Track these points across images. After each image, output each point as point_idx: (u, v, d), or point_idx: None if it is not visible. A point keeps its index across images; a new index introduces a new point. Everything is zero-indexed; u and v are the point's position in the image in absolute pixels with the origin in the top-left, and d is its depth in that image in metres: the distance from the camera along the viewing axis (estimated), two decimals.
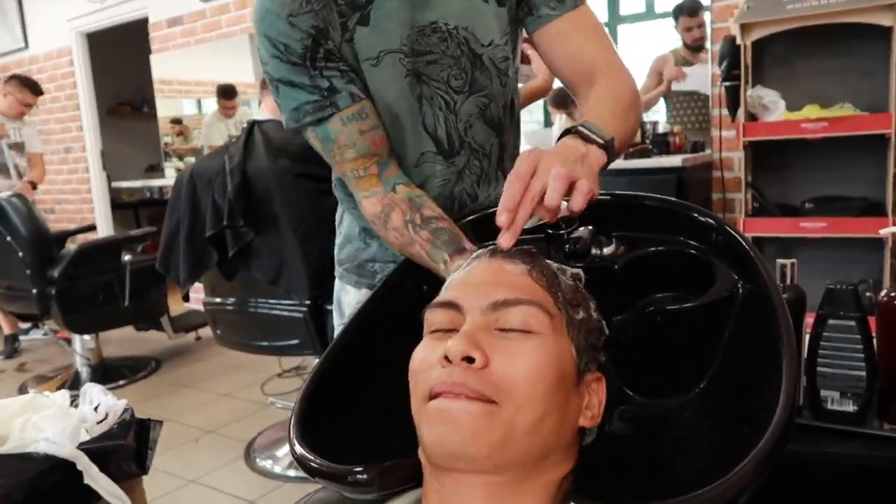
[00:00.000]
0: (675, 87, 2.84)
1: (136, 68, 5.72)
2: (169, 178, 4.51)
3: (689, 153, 2.59)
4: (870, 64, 2.18)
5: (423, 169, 0.98)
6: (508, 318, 0.58)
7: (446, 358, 0.54)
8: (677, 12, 2.79)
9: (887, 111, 2.02)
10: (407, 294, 0.90)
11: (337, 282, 1.14)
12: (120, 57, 5.71)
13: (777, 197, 2.38)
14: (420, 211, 0.88)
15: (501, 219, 0.67)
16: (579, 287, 0.69)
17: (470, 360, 0.54)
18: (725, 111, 2.41)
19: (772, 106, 2.19)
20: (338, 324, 1.14)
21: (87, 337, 3.45)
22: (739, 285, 0.79)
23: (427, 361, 0.58)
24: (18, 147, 4.10)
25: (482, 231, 0.90)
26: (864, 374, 0.95)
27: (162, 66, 4.51)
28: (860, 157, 2.22)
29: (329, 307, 2.08)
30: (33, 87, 4.06)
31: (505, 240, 0.66)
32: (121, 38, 5.04)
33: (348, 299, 1.10)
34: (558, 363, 0.58)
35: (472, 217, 0.96)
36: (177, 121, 4.66)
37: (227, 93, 4.25)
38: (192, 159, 4.50)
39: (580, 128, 0.77)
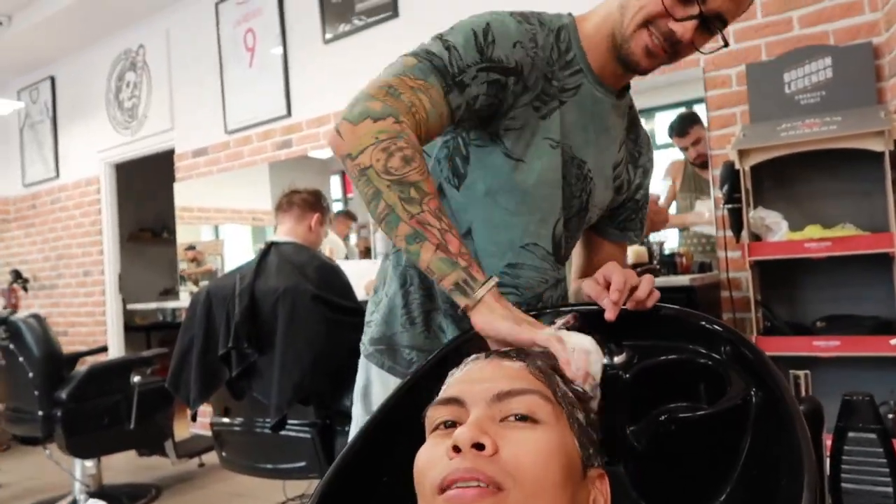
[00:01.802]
0: (694, 228, 2.89)
1: (158, 195, 5.97)
2: (183, 301, 4.58)
3: (697, 273, 2.62)
4: (866, 186, 2.25)
5: (525, 254, 0.99)
6: (513, 407, 0.59)
7: (454, 448, 0.54)
8: (670, 134, 2.91)
9: (888, 231, 2.06)
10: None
11: (362, 363, 1.08)
12: (144, 185, 5.99)
13: (787, 316, 2.38)
14: (423, 185, 0.82)
15: (614, 297, 0.86)
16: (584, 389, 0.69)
17: (480, 447, 0.54)
18: (730, 232, 2.46)
19: (774, 227, 2.24)
20: (359, 415, 1.07)
21: (88, 463, 3.37)
22: (752, 393, 0.78)
23: (433, 458, 0.57)
24: None
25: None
26: (890, 489, 0.92)
27: (183, 193, 4.71)
28: (866, 276, 2.24)
29: (338, 427, 2.05)
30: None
31: (610, 312, 0.85)
32: (146, 168, 5.30)
33: (376, 390, 1.05)
34: (564, 453, 0.57)
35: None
36: (191, 247, 4.79)
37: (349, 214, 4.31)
38: (206, 283, 4.59)
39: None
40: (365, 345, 1.07)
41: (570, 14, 1.00)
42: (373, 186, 0.81)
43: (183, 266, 4.80)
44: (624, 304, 0.87)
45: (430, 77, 0.86)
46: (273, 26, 4.04)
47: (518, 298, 0.99)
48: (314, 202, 2.48)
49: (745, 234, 2.31)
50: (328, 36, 3.78)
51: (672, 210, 2.94)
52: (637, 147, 1.11)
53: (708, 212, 2.77)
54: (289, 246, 2.30)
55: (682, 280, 2.51)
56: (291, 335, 2.02)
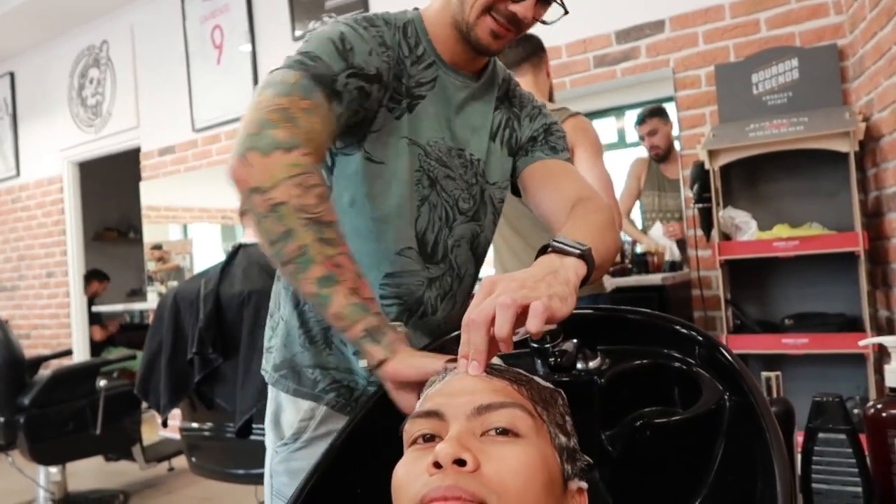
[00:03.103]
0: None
1: (123, 195, 5.86)
2: (151, 302, 4.49)
3: (668, 272, 2.64)
4: (832, 186, 2.29)
5: (400, 261, 0.96)
6: (493, 421, 0.58)
7: (435, 465, 0.53)
8: (635, 125, 2.93)
9: (853, 230, 2.10)
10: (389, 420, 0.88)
11: (271, 392, 1.04)
12: (108, 184, 5.86)
13: (757, 314, 2.41)
14: (337, 226, 0.79)
15: (461, 366, 0.64)
16: (558, 400, 0.69)
17: (461, 462, 0.53)
18: (700, 232, 2.49)
19: (744, 226, 2.27)
20: (274, 447, 1.02)
21: (53, 469, 3.28)
22: (726, 397, 0.78)
23: (412, 474, 0.56)
24: None
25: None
26: (860, 489, 0.92)
27: (150, 192, 4.62)
28: (833, 274, 2.28)
29: None
30: None
31: (472, 368, 0.63)
32: (111, 166, 5.19)
33: (287, 418, 1.00)
34: (545, 467, 0.57)
35: (435, 344, 0.95)
36: (157, 246, 4.71)
37: None
38: (174, 283, 4.51)
39: (553, 242, 0.75)
40: (269, 372, 1.02)
41: (415, 8, 1.00)
42: (284, 225, 0.75)
43: (150, 266, 4.71)
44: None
45: (314, 94, 0.83)
46: (241, 23, 3.98)
47: (401, 307, 0.97)
48: None
49: (715, 233, 2.34)
50: (297, 33, 3.74)
51: (637, 209, 2.96)
52: (515, 107, 1.08)
53: (662, 239, 2.80)
54: (257, 248, 2.27)
55: (654, 279, 2.53)
56: (256, 340, 1.99)
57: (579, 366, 0.85)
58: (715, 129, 2.44)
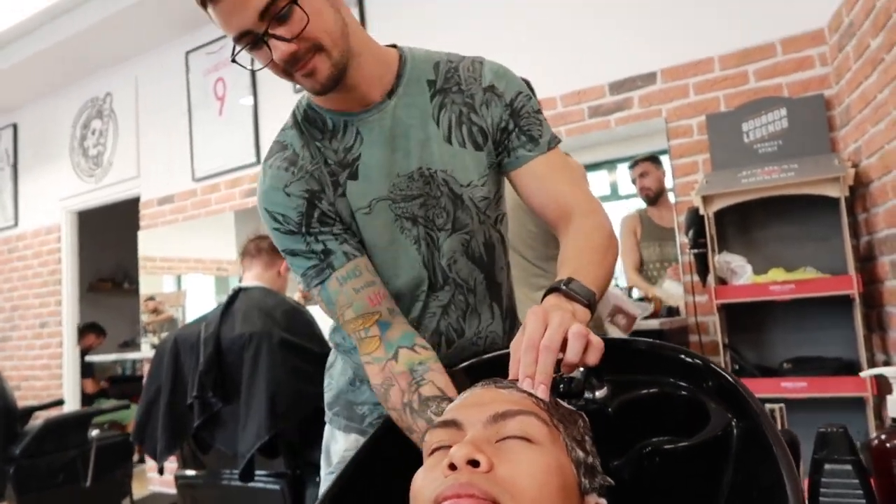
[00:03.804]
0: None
1: (120, 244, 5.86)
2: (145, 352, 4.45)
3: (666, 317, 2.66)
4: (824, 231, 2.33)
5: (420, 305, 1.01)
6: (508, 428, 0.59)
7: (450, 466, 0.54)
8: (630, 168, 2.97)
9: (847, 273, 2.13)
10: (398, 447, 0.89)
11: (326, 429, 1.14)
12: (105, 234, 5.88)
13: (755, 359, 2.42)
14: (419, 390, 0.86)
15: (525, 385, 0.69)
16: (578, 421, 0.70)
17: (475, 463, 0.54)
18: (696, 277, 2.51)
19: (739, 270, 2.30)
20: (325, 475, 1.12)
21: None
22: (733, 423, 0.79)
23: (428, 478, 0.57)
24: None
25: (477, 378, 0.91)
26: None
27: (148, 242, 4.64)
28: (828, 318, 2.30)
29: (308, 478, 2.00)
30: None
31: (541, 391, 0.68)
32: (109, 216, 5.21)
33: (337, 448, 1.09)
34: (560, 473, 0.57)
35: (467, 364, 0.98)
36: (150, 298, 4.70)
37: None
38: (167, 334, 4.47)
39: (564, 287, 0.81)
40: (326, 411, 1.14)
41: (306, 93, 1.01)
42: (405, 424, 0.87)
43: (144, 318, 4.69)
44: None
45: (327, 277, 0.93)
46: (244, 76, 4.08)
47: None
48: None
49: (710, 278, 2.36)
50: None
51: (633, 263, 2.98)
52: (465, 94, 1.01)
53: (676, 289, 2.82)
54: (257, 290, 2.28)
55: (652, 324, 2.54)
56: (257, 382, 1.98)
57: (587, 395, 0.86)
58: (708, 176, 2.49)
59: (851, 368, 2.19)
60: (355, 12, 3.61)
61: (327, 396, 1.14)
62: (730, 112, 2.59)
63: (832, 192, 2.14)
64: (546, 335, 0.69)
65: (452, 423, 0.61)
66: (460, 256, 1.02)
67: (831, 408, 2.19)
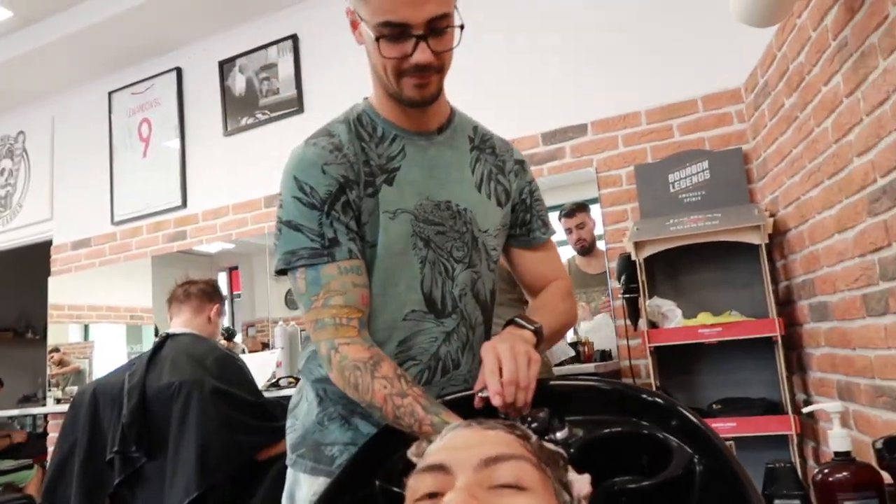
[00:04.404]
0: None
1: (25, 292, 5.51)
2: (49, 407, 4.12)
3: (599, 361, 2.70)
4: (746, 277, 2.45)
5: (408, 325, 1.02)
6: (500, 474, 0.57)
7: None
8: (559, 217, 3.02)
9: (769, 317, 2.24)
10: (366, 486, 0.85)
11: (289, 473, 1.09)
12: (9, 280, 5.51)
13: (685, 400, 2.48)
14: (406, 374, 0.92)
15: (496, 401, 0.85)
16: (559, 461, 0.68)
17: None
18: (629, 321, 2.58)
19: (670, 314, 2.38)
20: None
21: None
22: (696, 459, 0.80)
23: None
24: None
25: (459, 412, 0.90)
26: None
27: (57, 289, 4.36)
28: (753, 360, 2.40)
29: None
30: None
31: (520, 400, 0.86)
32: (14, 261, 4.90)
33: (302, 494, 1.05)
34: None
35: (450, 398, 0.96)
36: (55, 349, 4.41)
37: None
38: (73, 387, 4.19)
39: (516, 319, 1.00)
40: (289, 454, 1.10)
41: (365, 98, 1.10)
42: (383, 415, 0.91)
43: (49, 371, 4.38)
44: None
45: (322, 271, 0.96)
46: (171, 117, 3.98)
47: (419, 366, 1.03)
48: (212, 292, 2.38)
49: (643, 321, 2.43)
50: (229, 128, 3.76)
51: None
52: (498, 158, 1.15)
53: (602, 321, 2.89)
54: (186, 337, 2.17)
55: (587, 368, 2.57)
56: (186, 434, 1.86)
57: (548, 437, 0.86)
58: (638, 223, 2.59)
59: (776, 408, 2.28)
60: (291, 58, 3.61)
61: (291, 438, 1.10)
62: (656, 163, 2.72)
63: (753, 239, 2.26)
64: (520, 376, 0.87)
65: (440, 468, 0.58)
66: (469, 291, 1.08)
67: (758, 446, 2.26)
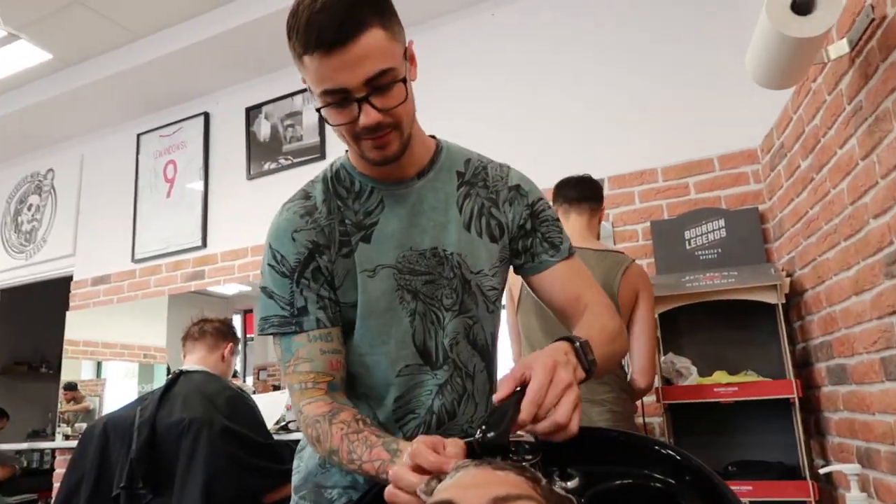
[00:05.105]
0: None
1: (42, 326, 5.55)
2: (58, 442, 4.11)
3: None
4: (763, 337, 2.42)
5: (404, 380, 1.01)
6: None
7: None
8: None
9: (786, 378, 2.21)
10: None
11: None
12: (29, 314, 5.57)
13: (701, 461, 2.42)
14: (366, 419, 0.92)
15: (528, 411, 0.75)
16: (569, 501, 0.68)
17: None
18: None
19: (685, 371, 2.35)
20: None
21: None
22: None
23: None
24: None
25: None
26: None
27: (74, 324, 4.40)
28: (769, 421, 2.36)
29: None
30: None
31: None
32: (35, 295, 4.96)
33: None
34: None
35: None
36: (70, 386, 4.42)
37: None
38: (83, 425, 4.18)
39: (577, 343, 0.86)
40: (292, 496, 1.11)
41: (346, 150, 1.06)
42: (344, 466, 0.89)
43: (61, 407, 4.39)
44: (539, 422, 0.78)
45: (294, 339, 0.98)
46: (196, 159, 4.08)
47: (416, 419, 1.02)
48: (226, 331, 2.40)
49: (657, 378, 2.40)
50: (252, 172, 3.85)
51: None
52: (490, 191, 1.08)
53: None
54: (199, 375, 2.18)
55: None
56: (193, 472, 1.85)
57: (559, 485, 0.85)
58: (654, 279, 2.58)
59: (793, 473, 2.23)
60: None
61: (295, 479, 1.10)
62: (672, 219, 2.73)
63: (770, 298, 2.25)
64: (548, 395, 0.77)
65: None
66: (462, 339, 1.04)
67: None
